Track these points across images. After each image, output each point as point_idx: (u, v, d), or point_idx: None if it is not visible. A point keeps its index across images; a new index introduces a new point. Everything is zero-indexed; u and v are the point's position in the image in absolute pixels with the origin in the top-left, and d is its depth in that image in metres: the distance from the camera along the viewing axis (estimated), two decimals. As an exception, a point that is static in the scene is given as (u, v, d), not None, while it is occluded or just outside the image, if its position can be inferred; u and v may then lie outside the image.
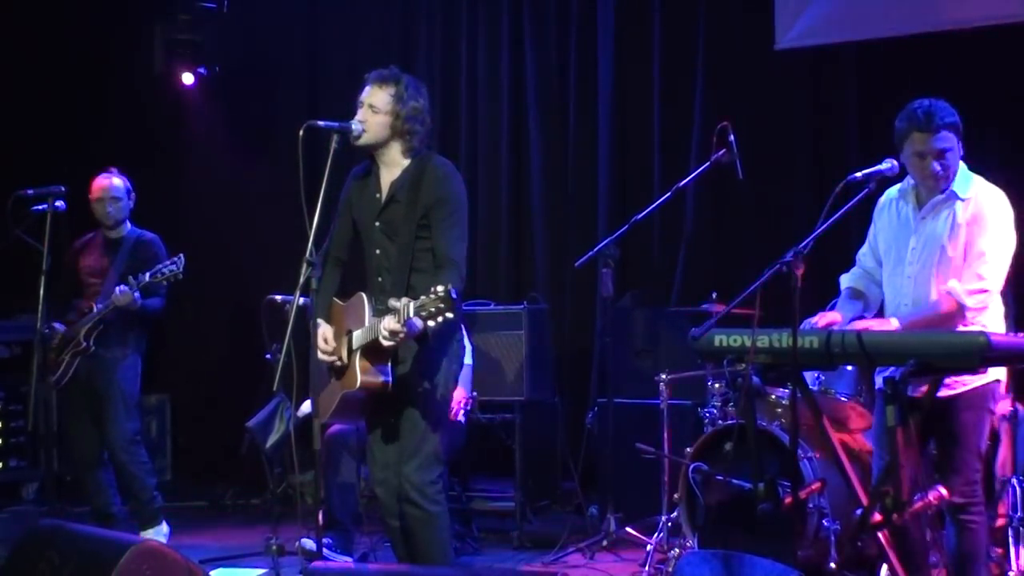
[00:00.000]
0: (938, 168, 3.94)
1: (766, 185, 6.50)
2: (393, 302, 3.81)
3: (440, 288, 3.63)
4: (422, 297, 3.67)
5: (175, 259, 5.48)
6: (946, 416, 3.89)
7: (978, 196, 3.97)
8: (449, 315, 3.64)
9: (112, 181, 5.85)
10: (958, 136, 3.95)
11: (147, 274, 5.44)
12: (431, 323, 3.66)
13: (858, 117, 6.51)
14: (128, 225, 5.90)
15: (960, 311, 3.88)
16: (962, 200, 3.98)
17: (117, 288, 5.47)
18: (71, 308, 5.75)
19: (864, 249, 4.32)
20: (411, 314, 3.70)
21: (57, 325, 5.70)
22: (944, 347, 3.61)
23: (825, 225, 3.74)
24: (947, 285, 3.90)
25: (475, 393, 5.85)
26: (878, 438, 4.13)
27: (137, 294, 5.46)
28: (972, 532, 3.92)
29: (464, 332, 4.69)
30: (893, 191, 4.16)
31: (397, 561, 4.29)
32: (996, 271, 3.91)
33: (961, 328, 3.89)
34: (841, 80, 6.59)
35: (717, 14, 6.92)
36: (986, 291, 3.89)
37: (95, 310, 5.58)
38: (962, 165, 4.04)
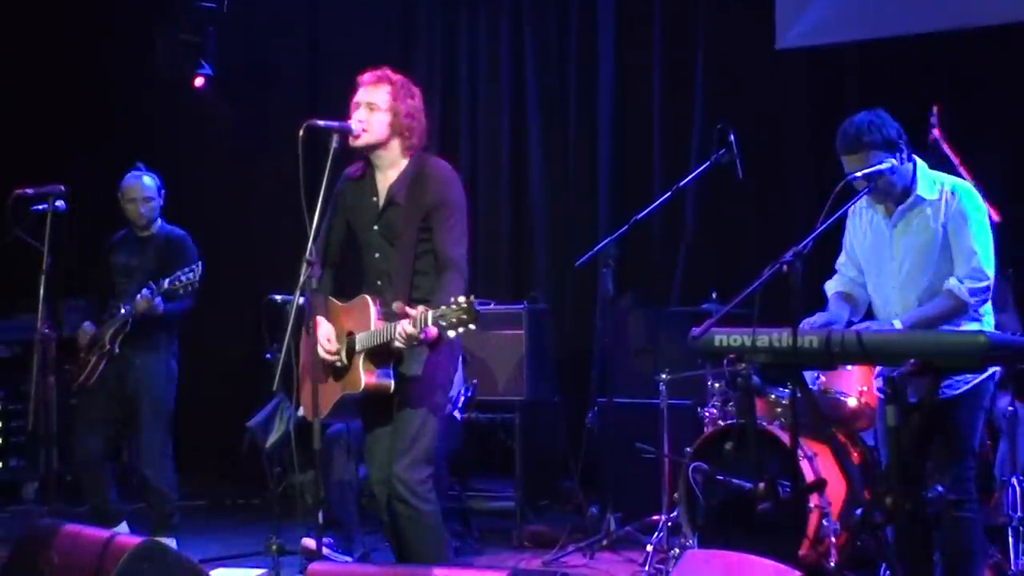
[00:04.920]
0: (868, 189, 3.93)
1: (766, 185, 6.51)
2: (409, 309, 3.80)
3: (462, 299, 3.63)
4: (442, 307, 3.66)
5: (192, 267, 5.35)
6: (940, 415, 3.88)
7: (952, 195, 3.97)
8: (472, 326, 3.64)
9: (143, 181, 5.76)
10: (890, 151, 3.89)
11: (166, 280, 5.35)
12: (452, 333, 3.65)
13: (858, 117, 6.51)
14: (159, 222, 5.82)
15: (964, 308, 3.89)
16: (929, 203, 3.97)
17: (139, 294, 5.43)
18: (106, 307, 5.71)
19: (842, 259, 4.31)
20: (429, 323, 3.70)
21: (87, 325, 5.69)
22: (944, 347, 3.61)
23: (825, 225, 3.74)
24: (948, 283, 3.90)
25: (475, 380, 5.82)
26: (880, 438, 4.14)
27: (158, 300, 5.37)
28: (966, 529, 3.91)
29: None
30: (863, 200, 4.08)
31: (396, 561, 4.29)
32: (990, 263, 3.92)
33: (964, 326, 3.89)
34: (841, 80, 6.59)
35: (717, 14, 6.92)
36: (987, 287, 3.90)
37: (121, 313, 5.54)
38: (922, 165, 4.04)
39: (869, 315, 4.21)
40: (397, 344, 3.85)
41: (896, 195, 4.00)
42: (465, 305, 3.62)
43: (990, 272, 3.91)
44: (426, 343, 3.92)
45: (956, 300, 3.88)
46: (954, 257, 3.93)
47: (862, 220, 4.18)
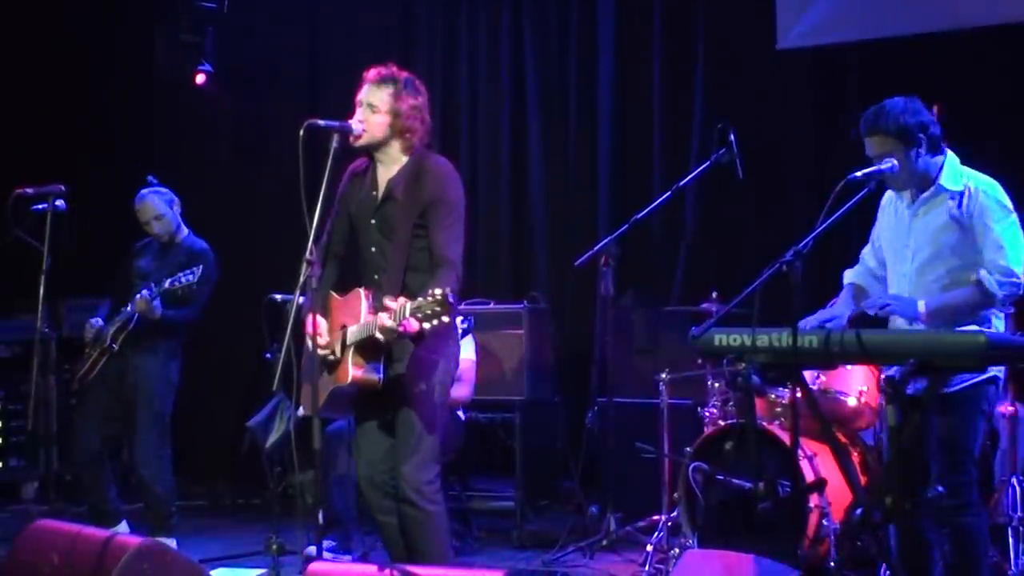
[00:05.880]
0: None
1: (766, 185, 6.50)
2: (389, 301, 3.82)
3: (438, 291, 3.64)
4: (419, 299, 3.67)
5: (193, 269, 5.33)
6: (936, 416, 3.86)
7: (976, 188, 3.94)
8: (445, 319, 3.64)
9: (150, 201, 5.75)
10: (905, 140, 3.90)
11: (167, 281, 5.34)
12: (426, 325, 3.67)
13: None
14: (184, 231, 5.83)
15: (991, 300, 3.84)
16: (952, 194, 3.96)
17: (138, 294, 5.43)
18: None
19: (867, 248, 4.32)
20: (407, 315, 3.70)
21: (95, 320, 5.69)
22: (944, 347, 3.59)
23: (825, 225, 3.74)
24: (979, 273, 3.84)
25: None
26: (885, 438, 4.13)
27: (157, 302, 5.36)
28: (966, 534, 3.88)
29: (461, 331, 4.71)
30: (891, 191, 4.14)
31: (390, 558, 4.29)
32: (1018, 261, 3.85)
33: (982, 324, 3.88)
34: (842, 80, 6.59)
35: (717, 14, 6.93)
36: (1017, 283, 3.84)
37: (126, 311, 5.53)
38: (952, 158, 4.03)
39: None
40: (379, 336, 3.86)
41: (916, 183, 3.99)
42: (440, 297, 3.62)
43: (1018, 269, 3.84)
44: (407, 336, 3.91)
45: (984, 291, 3.83)
46: (982, 252, 3.87)
47: (889, 208, 4.18)
